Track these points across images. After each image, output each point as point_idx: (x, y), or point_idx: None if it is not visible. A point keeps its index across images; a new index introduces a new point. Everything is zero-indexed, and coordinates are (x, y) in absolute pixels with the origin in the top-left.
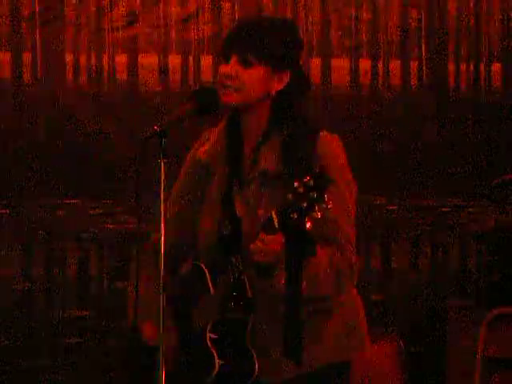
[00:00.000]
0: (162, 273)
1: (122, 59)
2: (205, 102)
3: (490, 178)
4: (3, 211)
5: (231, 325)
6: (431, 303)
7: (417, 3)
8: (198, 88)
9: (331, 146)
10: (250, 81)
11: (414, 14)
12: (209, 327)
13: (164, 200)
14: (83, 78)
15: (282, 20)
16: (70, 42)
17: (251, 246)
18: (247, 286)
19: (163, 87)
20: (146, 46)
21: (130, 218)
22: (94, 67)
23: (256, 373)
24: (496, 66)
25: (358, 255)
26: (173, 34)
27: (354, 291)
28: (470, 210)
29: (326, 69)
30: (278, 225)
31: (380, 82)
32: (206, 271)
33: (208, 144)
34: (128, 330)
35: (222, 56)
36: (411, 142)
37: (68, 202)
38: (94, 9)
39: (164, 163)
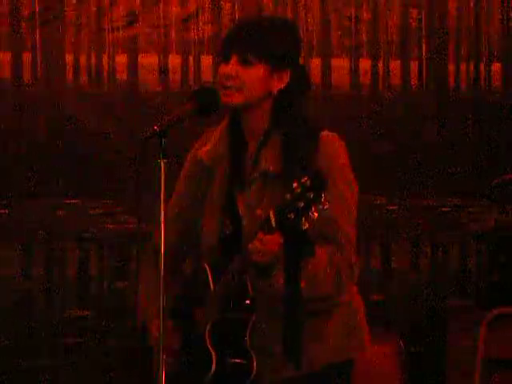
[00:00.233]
0: (162, 273)
1: (122, 59)
2: (205, 102)
3: (490, 177)
4: (3, 211)
5: (231, 324)
6: (431, 303)
7: (417, 3)
8: (198, 88)
9: (332, 146)
10: (250, 80)
11: (414, 13)
12: (208, 327)
13: (164, 200)
14: (83, 78)
15: (281, 19)
16: (69, 42)
17: (249, 245)
18: (249, 286)
19: (163, 87)
20: (146, 46)
21: (130, 217)
22: (94, 67)
23: (254, 373)
24: (496, 66)
25: (358, 255)
26: (173, 34)
27: (354, 290)
28: (470, 209)
29: (326, 69)
30: (276, 224)
31: (380, 82)
32: (209, 271)
33: (209, 144)
34: (137, 330)
35: (222, 56)
36: (411, 141)
37: (68, 201)
38: (94, 9)
39: (164, 163)
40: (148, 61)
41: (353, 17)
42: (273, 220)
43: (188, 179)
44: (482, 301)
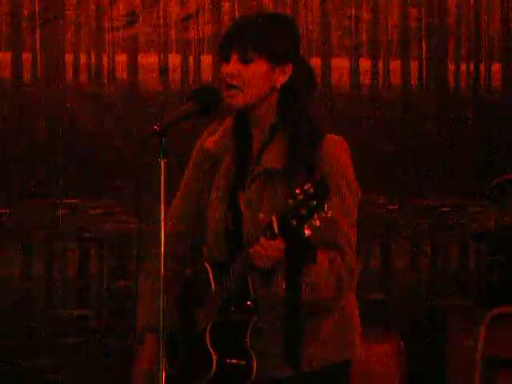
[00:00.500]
0: (162, 273)
1: (122, 59)
2: (205, 102)
3: (490, 177)
4: (3, 211)
5: (232, 325)
6: (431, 303)
7: (417, 3)
8: (198, 88)
9: (335, 149)
10: (252, 77)
11: (413, 13)
12: (209, 327)
13: (164, 200)
14: (83, 78)
15: (276, 14)
16: (69, 41)
17: (250, 250)
18: (250, 288)
19: (163, 87)
20: (146, 46)
21: (129, 218)
22: (93, 67)
23: (254, 374)
24: (496, 66)
25: (358, 255)
26: (173, 34)
27: (352, 293)
28: (470, 209)
29: (326, 69)
30: (278, 230)
31: (380, 82)
32: (210, 270)
33: (217, 135)
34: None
35: (222, 56)
36: (411, 141)
37: (68, 201)
38: (94, 8)
39: (164, 163)
40: (148, 61)
41: (353, 17)
42: (275, 225)
43: (195, 167)
44: (482, 301)
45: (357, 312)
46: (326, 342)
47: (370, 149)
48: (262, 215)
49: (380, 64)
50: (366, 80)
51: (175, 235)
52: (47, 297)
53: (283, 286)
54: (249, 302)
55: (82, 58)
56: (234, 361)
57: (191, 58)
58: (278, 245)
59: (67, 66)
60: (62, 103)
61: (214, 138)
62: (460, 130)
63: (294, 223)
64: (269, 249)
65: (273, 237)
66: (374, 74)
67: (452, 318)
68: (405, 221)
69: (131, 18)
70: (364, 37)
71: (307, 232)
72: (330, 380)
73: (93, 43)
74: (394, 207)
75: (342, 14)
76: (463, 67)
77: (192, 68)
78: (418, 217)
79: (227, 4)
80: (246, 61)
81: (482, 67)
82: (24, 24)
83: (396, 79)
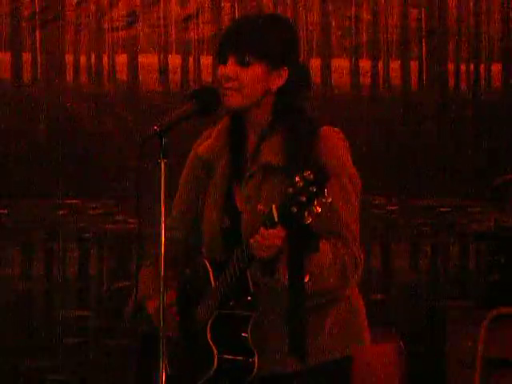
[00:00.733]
0: (162, 273)
1: (122, 59)
2: (205, 102)
3: (490, 177)
4: (3, 211)
5: (232, 321)
6: (431, 303)
7: (417, 3)
8: (197, 88)
9: (333, 141)
10: (249, 80)
11: (413, 13)
12: (209, 323)
13: (164, 200)
14: (83, 78)
15: (275, 16)
16: (70, 42)
17: (250, 240)
18: (249, 283)
19: (163, 87)
20: (146, 46)
21: (130, 217)
22: (94, 67)
23: (256, 369)
24: (496, 66)
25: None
26: (173, 34)
27: (354, 286)
28: (470, 210)
29: (326, 69)
30: (278, 218)
31: (380, 82)
32: (209, 267)
33: (209, 140)
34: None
35: (219, 58)
36: (411, 141)
37: (68, 201)
38: (94, 9)
39: (164, 163)
40: (148, 61)
41: (353, 17)
42: (275, 214)
43: (189, 177)
44: (482, 301)
45: (362, 307)
46: (326, 336)
47: (369, 149)
48: (260, 206)
49: (380, 64)
50: (366, 80)
51: (173, 243)
52: (47, 297)
53: (286, 276)
54: (249, 297)
55: (82, 59)
56: (235, 357)
57: (191, 59)
58: (278, 233)
59: (67, 66)
60: (62, 103)
61: (207, 142)
62: (460, 130)
63: (295, 210)
64: (269, 238)
65: (273, 225)
66: (374, 74)
67: (452, 318)
68: (405, 221)
69: (131, 19)
70: (364, 37)
71: (308, 219)
72: (330, 375)
73: (93, 44)
74: (394, 207)
75: (342, 15)
76: (463, 67)
77: (192, 68)
78: (418, 217)
79: (227, 4)
80: (243, 64)
81: (482, 67)
82: (24, 24)
83: (396, 79)
